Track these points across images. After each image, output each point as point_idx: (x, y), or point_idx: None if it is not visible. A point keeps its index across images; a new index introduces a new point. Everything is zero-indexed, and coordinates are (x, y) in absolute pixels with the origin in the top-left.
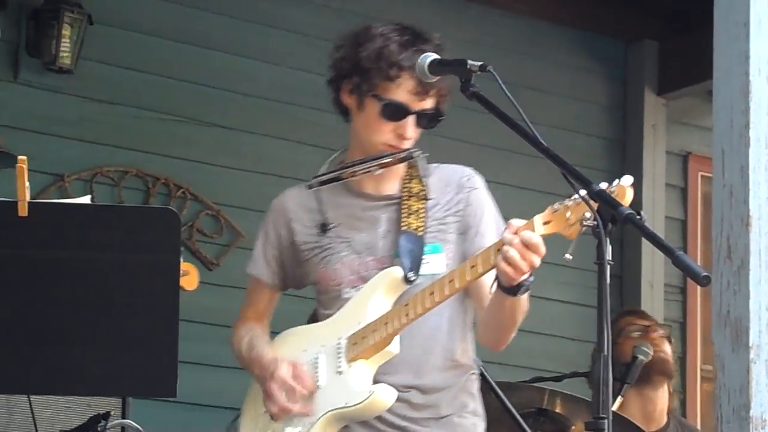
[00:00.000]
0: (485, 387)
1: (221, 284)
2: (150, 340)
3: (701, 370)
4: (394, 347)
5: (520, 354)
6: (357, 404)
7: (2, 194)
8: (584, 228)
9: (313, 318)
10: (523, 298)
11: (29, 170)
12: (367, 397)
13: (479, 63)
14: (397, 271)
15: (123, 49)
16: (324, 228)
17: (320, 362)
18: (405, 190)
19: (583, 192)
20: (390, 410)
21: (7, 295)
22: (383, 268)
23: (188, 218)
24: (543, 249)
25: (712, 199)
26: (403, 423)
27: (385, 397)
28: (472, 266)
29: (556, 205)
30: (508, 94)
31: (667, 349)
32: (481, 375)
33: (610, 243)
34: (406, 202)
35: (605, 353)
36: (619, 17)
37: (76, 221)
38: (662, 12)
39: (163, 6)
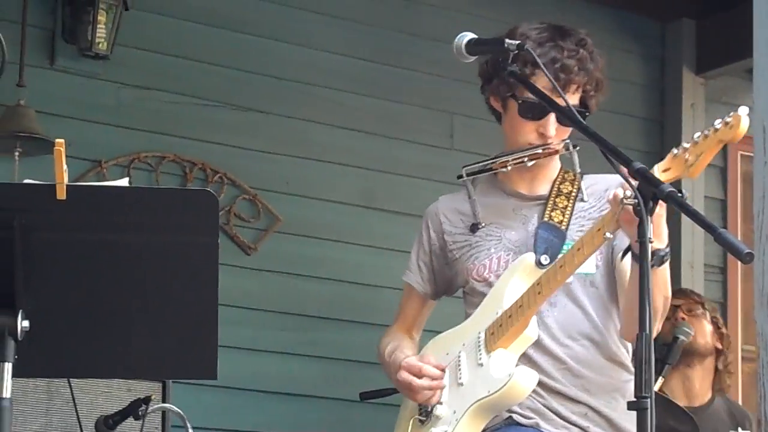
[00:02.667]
0: None
1: (259, 269)
2: (190, 323)
3: (742, 350)
4: (532, 332)
5: None
6: (498, 390)
7: (41, 180)
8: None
9: None
10: (662, 276)
11: (67, 156)
12: (507, 381)
13: (516, 42)
14: (529, 257)
15: (158, 35)
16: (474, 228)
17: (462, 360)
18: (554, 189)
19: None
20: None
21: (46, 278)
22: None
23: (225, 203)
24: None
25: (753, 178)
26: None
27: (526, 379)
28: (598, 229)
29: (675, 150)
30: (546, 72)
31: (704, 327)
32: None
33: (651, 224)
34: (553, 199)
35: (647, 332)
36: None
37: (115, 204)
38: None
39: None
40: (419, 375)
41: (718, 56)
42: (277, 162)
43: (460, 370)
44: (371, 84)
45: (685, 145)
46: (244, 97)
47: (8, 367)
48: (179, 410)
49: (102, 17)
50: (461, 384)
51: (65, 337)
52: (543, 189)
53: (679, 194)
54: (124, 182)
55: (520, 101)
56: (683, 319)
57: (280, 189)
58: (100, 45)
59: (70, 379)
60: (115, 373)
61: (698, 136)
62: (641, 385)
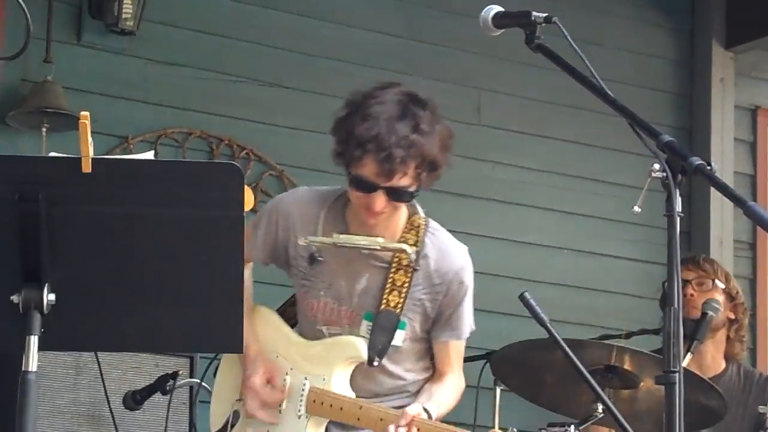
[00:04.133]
0: (552, 344)
1: None
2: (215, 296)
3: None
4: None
5: (586, 312)
6: None
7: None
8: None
9: (291, 302)
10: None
11: (94, 132)
12: None
13: (544, 15)
14: (364, 352)
15: (185, 10)
16: (312, 260)
17: (287, 388)
18: (396, 259)
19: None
20: None
21: (71, 252)
22: (355, 320)
23: (252, 179)
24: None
25: None
26: None
27: None
28: (381, 419)
29: None
30: (574, 45)
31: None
32: (548, 332)
33: (680, 197)
34: (392, 275)
35: (675, 306)
36: None
37: (140, 177)
38: None
39: None
40: (258, 399)
41: (747, 30)
42: (304, 138)
43: (283, 393)
44: (398, 59)
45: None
46: (272, 73)
47: (34, 340)
48: (206, 385)
49: None
50: (280, 410)
51: (91, 311)
52: (386, 235)
53: (708, 167)
54: (149, 155)
55: (351, 176)
56: (692, 296)
57: (307, 165)
58: (127, 21)
59: (98, 355)
60: (140, 346)
61: None
62: (670, 359)
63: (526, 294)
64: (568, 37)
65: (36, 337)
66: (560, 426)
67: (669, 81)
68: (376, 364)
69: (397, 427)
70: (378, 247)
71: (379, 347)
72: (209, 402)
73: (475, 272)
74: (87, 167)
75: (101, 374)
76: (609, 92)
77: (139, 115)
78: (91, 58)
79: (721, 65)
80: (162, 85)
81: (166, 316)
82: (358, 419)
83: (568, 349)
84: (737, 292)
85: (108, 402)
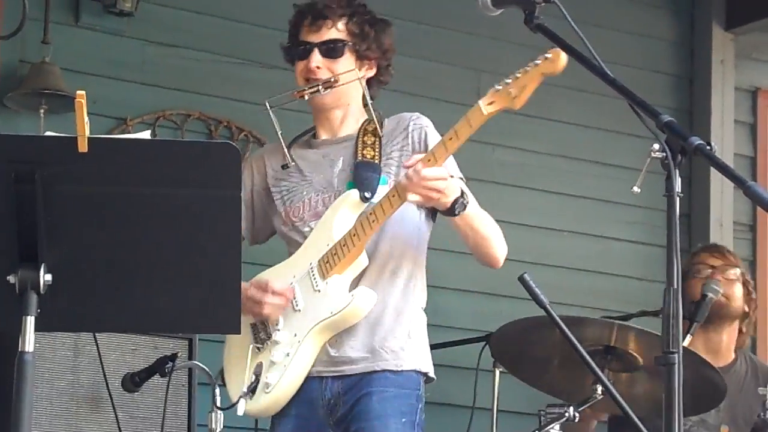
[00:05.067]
0: (551, 324)
1: None
2: (213, 277)
3: None
4: (364, 259)
5: (586, 294)
6: (341, 310)
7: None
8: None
9: None
10: (472, 213)
11: (92, 114)
12: (350, 302)
13: None
14: (353, 194)
15: None
16: (284, 167)
17: (296, 290)
18: (361, 129)
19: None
20: None
21: (68, 232)
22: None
23: None
24: (439, 174)
25: None
26: None
27: (366, 298)
28: (393, 195)
29: (498, 86)
30: (573, 24)
31: (737, 292)
32: (548, 314)
33: (679, 178)
34: (362, 138)
35: (674, 287)
36: None
37: (136, 156)
38: None
39: None
40: (266, 291)
41: (747, 12)
42: (303, 120)
43: (295, 299)
44: (397, 41)
45: (507, 80)
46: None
47: (31, 320)
48: (205, 367)
49: None
50: (298, 310)
51: (88, 291)
52: (347, 130)
53: (708, 147)
54: (145, 135)
55: (288, 46)
56: (720, 280)
57: None
58: (126, 2)
59: (97, 337)
60: (137, 327)
61: (519, 72)
62: (669, 340)
63: (526, 276)
64: (568, 17)
65: (32, 317)
66: (559, 407)
67: (669, 62)
68: (368, 195)
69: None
70: (332, 79)
71: (365, 185)
72: (207, 384)
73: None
74: (83, 146)
75: (99, 356)
76: (609, 72)
77: (138, 97)
78: (90, 40)
79: (722, 47)
80: (160, 67)
81: (164, 297)
82: (374, 220)
83: (567, 330)
84: (753, 287)
85: (107, 384)
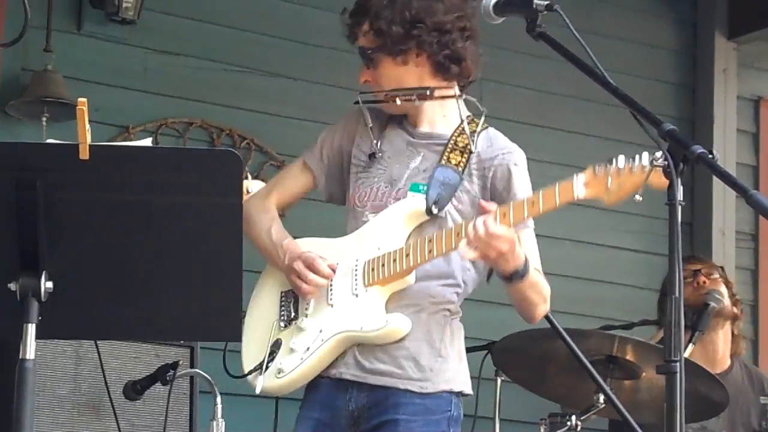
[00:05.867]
0: (553, 334)
1: None
2: (214, 284)
3: None
4: (411, 278)
5: (588, 303)
6: (372, 331)
7: None
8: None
9: None
10: (530, 281)
11: (95, 122)
12: (383, 326)
13: (545, 2)
14: (420, 203)
15: (184, 0)
16: (372, 157)
17: (336, 280)
18: (458, 129)
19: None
20: None
21: (69, 239)
22: (398, 198)
23: (253, 169)
24: (507, 236)
25: None
26: None
27: (401, 326)
28: (457, 234)
29: (599, 167)
30: (576, 33)
31: (723, 291)
32: (550, 322)
33: (681, 186)
34: (455, 138)
35: (677, 295)
36: None
37: (138, 164)
38: None
39: None
40: (312, 269)
41: (750, 21)
42: (305, 128)
43: (331, 289)
44: None
45: (610, 167)
46: (272, 62)
47: (32, 328)
48: (207, 376)
49: None
50: (331, 305)
51: (89, 299)
52: (440, 128)
53: (710, 155)
54: (147, 142)
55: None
56: (704, 283)
57: None
58: (128, 10)
59: (98, 345)
60: (138, 335)
61: (626, 167)
62: (671, 349)
63: None
64: (570, 26)
65: (33, 325)
66: (561, 416)
67: (671, 72)
68: (435, 211)
69: (478, 222)
70: (427, 92)
71: (437, 198)
72: (209, 392)
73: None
74: (85, 154)
75: (101, 364)
76: (611, 81)
77: (140, 105)
78: (92, 48)
79: (724, 56)
80: (163, 75)
81: (165, 304)
82: (429, 251)
83: (569, 339)
84: (733, 286)
85: (108, 392)
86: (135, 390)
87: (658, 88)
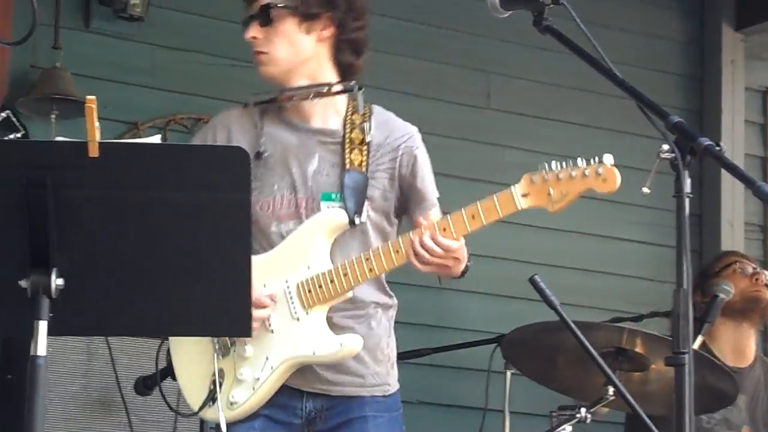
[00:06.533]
0: (562, 327)
1: None
2: (223, 280)
3: None
4: (350, 291)
5: (597, 295)
6: (327, 354)
7: None
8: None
9: None
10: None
11: (103, 118)
12: (338, 350)
13: None
14: (341, 216)
15: None
16: (258, 156)
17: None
18: (348, 123)
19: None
20: None
21: (79, 236)
22: (314, 207)
23: None
24: (455, 248)
25: None
26: None
27: (354, 346)
28: (396, 251)
29: (535, 176)
30: (582, 26)
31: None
32: (559, 315)
33: (689, 178)
34: (348, 136)
35: (684, 287)
36: None
37: (147, 161)
38: None
39: None
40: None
41: (758, 12)
42: None
43: (268, 318)
44: (407, 43)
45: (547, 174)
46: None
47: (43, 325)
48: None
49: None
50: (271, 331)
51: (99, 295)
52: (332, 123)
53: (717, 148)
54: (155, 139)
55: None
56: (758, 280)
57: None
58: (135, 6)
59: (109, 341)
60: (149, 331)
61: (565, 175)
62: (679, 340)
63: (536, 277)
64: (577, 19)
65: (45, 322)
66: (571, 409)
67: (678, 63)
68: (358, 221)
69: (422, 237)
70: (325, 89)
71: (354, 207)
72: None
73: (486, 256)
74: (94, 151)
75: (112, 360)
76: (618, 73)
77: (148, 101)
78: (100, 44)
79: (731, 47)
80: (170, 71)
81: (174, 300)
82: (370, 270)
83: (578, 331)
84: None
85: (119, 388)
86: (146, 385)
87: (666, 80)
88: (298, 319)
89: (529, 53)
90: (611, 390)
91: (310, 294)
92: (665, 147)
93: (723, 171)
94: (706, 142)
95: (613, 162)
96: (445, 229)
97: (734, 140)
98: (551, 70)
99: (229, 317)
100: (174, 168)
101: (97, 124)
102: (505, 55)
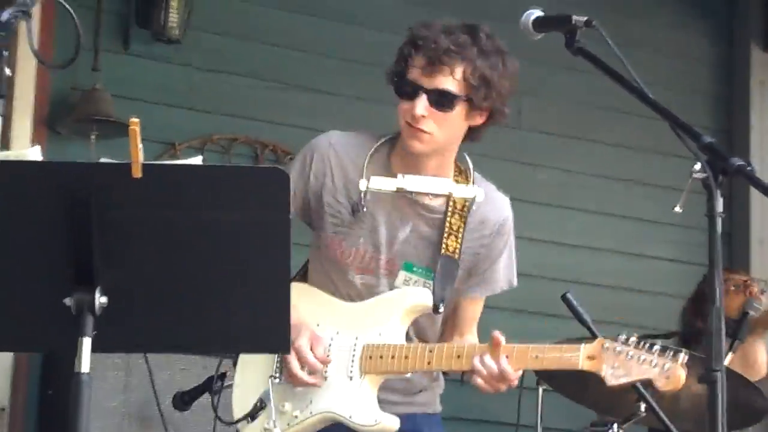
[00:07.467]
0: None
1: None
2: (263, 298)
3: None
4: (407, 375)
5: (628, 312)
6: (361, 425)
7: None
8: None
9: (305, 267)
10: None
11: (141, 139)
12: (373, 426)
13: (584, 18)
14: (427, 298)
15: (228, 19)
16: (355, 209)
17: (332, 352)
18: (450, 205)
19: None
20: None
21: (122, 255)
22: (390, 270)
23: None
24: (513, 378)
25: None
26: None
27: (390, 427)
28: (458, 356)
29: (608, 345)
30: (615, 48)
31: (765, 302)
32: (591, 332)
33: (721, 198)
34: (449, 219)
35: (717, 305)
36: None
37: (189, 181)
38: None
39: None
40: (302, 362)
41: None
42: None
43: (326, 368)
44: None
45: (620, 350)
46: (315, 79)
47: (87, 342)
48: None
49: (174, 3)
50: (326, 378)
51: (142, 313)
52: (435, 198)
53: (749, 168)
54: (197, 160)
55: (396, 80)
56: (752, 294)
57: None
58: (173, 30)
59: (147, 356)
60: (189, 348)
61: (634, 358)
62: (712, 357)
63: (569, 294)
64: (609, 40)
65: (89, 338)
66: (603, 425)
67: (708, 83)
68: (441, 309)
69: (485, 355)
70: (444, 192)
71: (441, 294)
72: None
73: (520, 274)
74: (137, 172)
75: (150, 376)
76: (649, 94)
77: (186, 122)
78: (138, 67)
79: (760, 67)
80: (207, 92)
81: (215, 318)
82: (428, 363)
83: None
84: None
85: (158, 403)
86: (183, 401)
87: (695, 100)
88: (350, 378)
89: (560, 74)
90: (643, 407)
91: (371, 360)
92: (697, 167)
93: (752, 189)
94: (738, 162)
95: (685, 361)
96: (507, 357)
97: (763, 159)
98: (582, 90)
99: (268, 334)
100: (215, 189)
101: (140, 145)
102: (537, 76)
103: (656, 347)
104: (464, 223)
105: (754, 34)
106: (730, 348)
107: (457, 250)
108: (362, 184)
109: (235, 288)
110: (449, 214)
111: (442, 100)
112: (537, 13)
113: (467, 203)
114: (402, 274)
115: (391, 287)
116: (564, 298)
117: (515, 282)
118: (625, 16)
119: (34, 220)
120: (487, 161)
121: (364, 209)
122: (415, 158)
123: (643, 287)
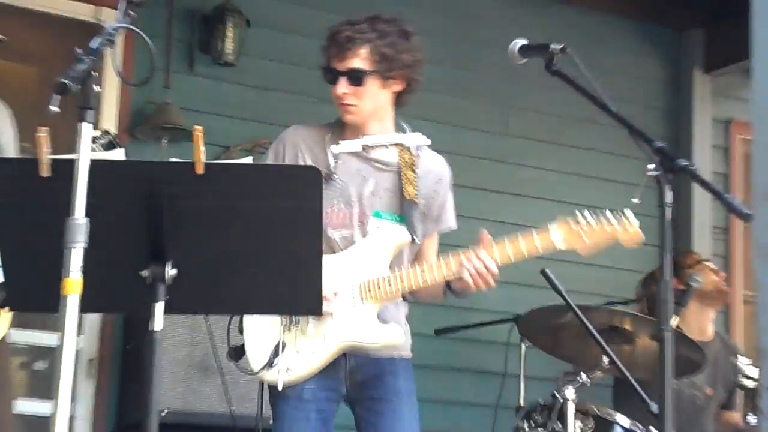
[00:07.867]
0: (568, 309)
1: None
2: (298, 269)
3: (743, 295)
4: (400, 295)
5: (595, 284)
6: (373, 344)
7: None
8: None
9: None
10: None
11: (204, 143)
12: (383, 341)
13: (560, 46)
14: (405, 234)
15: (275, 46)
16: (328, 178)
17: (337, 290)
18: (401, 160)
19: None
20: None
21: (188, 236)
22: (362, 221)
23: None
24: (494, 270)
25: (752, 154)
26: None
27: (396, 336)
28: (446, 264)
29: (574, 224)
30: (584, 69)
31: (696, 275)
32: (565, 300)
33: (670, 191)
34: (404, 171)
35: (666, 279)
36: (671, 9)
37: (241, 177)
38: (708, 2)
39: (308, 12)
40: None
41: (723, 58)
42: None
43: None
44: (444, 84)
45: (584, 223)
46: None
47: (160, 306)
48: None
49: (230, 33)
50: (331, 314)
51: (203, 282)
52: (389, 155)
53: (692, 167)
54: (248, 160)
55: (322, 71)
56: (713, 270)
57: None
58: (229, 55)
59: (208, 317)
60: (242, 309)
61: (597, 225)
62: (661, 320)
63: (547, 270)
64: (580, 64)
65: (161, 303)
66: (573, 374)
67: (659, 99)
68: (417, 241)
69: (475, 257)
70: (396, 141)
71: (413, 230)
72: None
73: None
74: (200, 170)
75: (210, 333)
76: (612, 107)
77: (238, 129)
78: (201, 85)
79: (701, 86)
80: (257, 106)
81: (262, 285)
82: (423, 278)
83: (580, 313)
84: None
85: (215, 355)
86: (235, 354)
87: (649, 112)
88: (354, 307)
89: (541, 91)
90: (606, 359)
91: (369, 292)
92: (651, 166)
93: (694, 184)
94: (683, 162)
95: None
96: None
97: (703, 161)
98: (559, 104)
99: (304, 298)
100: (261, 183)
101: (202, 148)
102: (522, 93)
103: (607, 212)
104: (415, 174)
105: (696, 59)
106: (676, 313)
107: (416, 196)
108: (335, 149)
109: (277, 261)
110: (402, 166)
111: (354, 78)
112: (522, 42)
113: (413, 157)
114: (373, 221)
115: (365, 236)
116: (543, 272)
117: (455, 225)
118: (593, 43)
119: (118, 207)
120: (479, 161)
121: (335, 176)
122: (358, 128)
123: (606, 263)
